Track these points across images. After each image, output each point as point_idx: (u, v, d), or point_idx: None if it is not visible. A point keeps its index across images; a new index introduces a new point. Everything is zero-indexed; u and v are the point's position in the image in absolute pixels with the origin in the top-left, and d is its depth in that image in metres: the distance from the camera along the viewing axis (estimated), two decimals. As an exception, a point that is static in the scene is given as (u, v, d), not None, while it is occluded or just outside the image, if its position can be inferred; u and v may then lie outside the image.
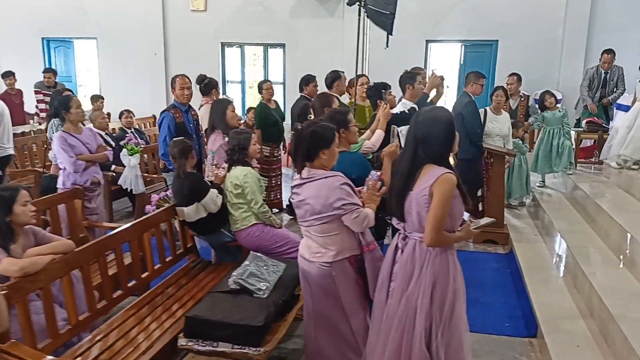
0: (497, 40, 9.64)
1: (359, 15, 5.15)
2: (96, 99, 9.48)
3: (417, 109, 5.02)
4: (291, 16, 10.26)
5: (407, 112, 5.13)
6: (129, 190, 6.29)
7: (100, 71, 11.35)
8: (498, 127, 6.33)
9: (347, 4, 5.12)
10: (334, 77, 6.24)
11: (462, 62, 10.00)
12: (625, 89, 7.65)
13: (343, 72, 6.47)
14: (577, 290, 4.33)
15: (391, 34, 5.48)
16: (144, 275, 3.66)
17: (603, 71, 7.70)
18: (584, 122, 7.48)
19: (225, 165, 4.11)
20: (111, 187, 6.39)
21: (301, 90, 6.52)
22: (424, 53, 9.98)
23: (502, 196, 6.15)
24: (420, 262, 2.48)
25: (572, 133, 7.15)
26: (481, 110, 6.42)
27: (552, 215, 5.83)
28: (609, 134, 7.03)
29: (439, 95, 4.83)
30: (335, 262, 2.82)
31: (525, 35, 9.39)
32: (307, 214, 2.82)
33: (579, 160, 7.38)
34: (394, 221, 2.65)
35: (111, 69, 11.14)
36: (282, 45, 10.50)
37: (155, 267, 3.81)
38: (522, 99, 7.35)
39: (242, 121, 7.09)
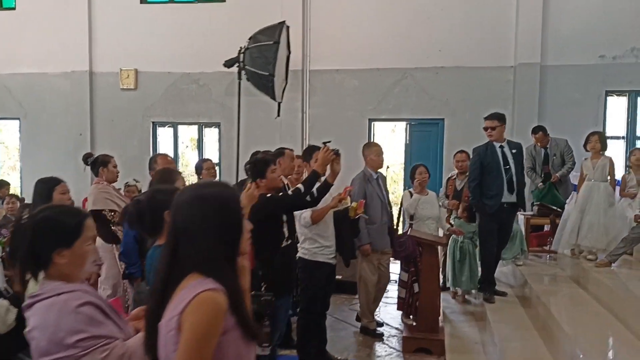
0: (443, 119, 9.04)
1: (239, 78, 4.38)
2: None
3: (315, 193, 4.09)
4: (227, 94, 9.63)
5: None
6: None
7: (22, 153, 10.47)
8: (428, 208, 5.46)
9: (224, 65, 4.35)
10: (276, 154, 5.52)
11: (407, 141, 9.34)
12: (574, 163, 6.89)
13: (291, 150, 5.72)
14: None
15: (275, 100, 4.67)
16: None
17: (541, 148, 7.04)
18: (535, 206, 6.66)
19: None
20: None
21: None
22: (367, 131, 9.33)
23: (437, 293, 5.15)
24: None
25: (521, 217, 6.30)
26: (406, 193, 5.60)
27: (494, 317, 4.80)
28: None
29: (334, 173, 3.92)
30: None
31: (473, 114, 8.77)
32: (35, 353, 1.79)
33: (531, 248, 6.48)
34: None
35: (33, 150, 10.25)
36: (218, 125, 9.80)
37: None
38: (468, 179, 6.53)
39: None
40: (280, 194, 3.70)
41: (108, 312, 1.81)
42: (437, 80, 9.01)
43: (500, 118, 5.33)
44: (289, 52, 4.50)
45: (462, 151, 6.70)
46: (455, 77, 8.91)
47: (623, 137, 8.57)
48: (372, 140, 9.23)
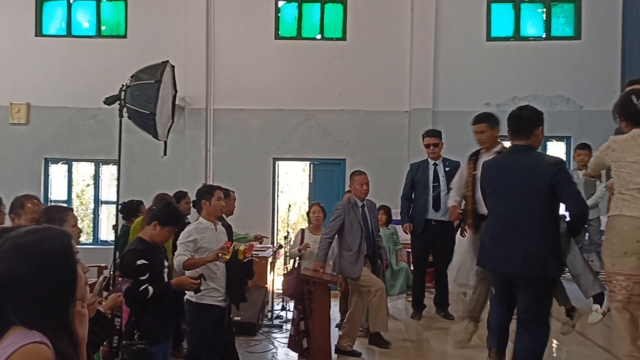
0: (345, 159, 9.34)
1: (120, 116, 4.32)
2: None
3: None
4: (126, 130, 9.34)
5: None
6: None
7: None
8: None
9: (105, 102, 4.28)
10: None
11: (311, 181, 9.53)
12: None
13: (233, 192, 5.52)
14: None
15: (158, 139, 4.64)
16: None
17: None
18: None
19: None
20: None
21: None
22: (271, 170, 9.42)
23: (328, 332, 5.18)
24: None
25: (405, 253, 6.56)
26: (299, 231, 5.67)
27: (382, 356, 4.90)
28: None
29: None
30: None
31: (372, 155, 9.18)
32: None
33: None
34: None
35: None
36: (116, 162, 9.44)
37: None
38: (360, 218, 6.72)
39: None
40: (143, 277, 3.53)
41: None
42: (339, 122, 9.34)
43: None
44: (175, 92, 4.52)
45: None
46: (355, 120, 9.29)
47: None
48: (276, 180, 9.36)
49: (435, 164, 5.49)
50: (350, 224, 5.20)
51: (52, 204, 9.23)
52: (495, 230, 3.28)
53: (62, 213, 3.15)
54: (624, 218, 2.89)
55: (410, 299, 6.22)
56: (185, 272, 4.15)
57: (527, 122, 3.30)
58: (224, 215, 5.14)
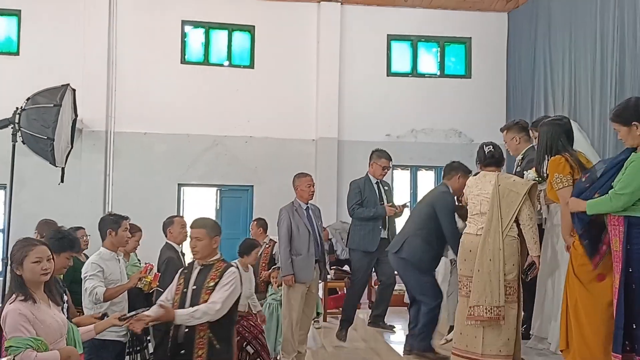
0: (252, 186, 9.35)
1: (14, 140, 4.07)
2: None
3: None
4: (19, 154, 8.68)
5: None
6: None
7: None
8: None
9: (-6, 127, 4.01)
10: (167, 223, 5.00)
11: (218, 207, 9.41)
12: None
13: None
14: None
15: (56, 165, 4.42)
16: None
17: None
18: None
19: None
20: None
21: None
22: (176, 196, 9.18)
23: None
24: None
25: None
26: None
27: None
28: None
29: None
30: None
31: (280, 182, 9.21)
32: None
33: (329, 310, 6.85)
34: None
35: None
36: (4, 187, 8.73)
37: None
38: (268, 245, 6.74)
39: None
40: None
41: None
42: (247, 149, 9.36)
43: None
44: (76, 116, 4.33)
45: (257, 218, 6.92)
46: (263, 147, 9.36)
47: (407, 207, 9.73)
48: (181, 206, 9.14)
49: (377, 182, 5.55)
50: (296, 227, 5.08)
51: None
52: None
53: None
54: (465, 235, 3.81)
55: (318, 326, 6.30)
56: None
57: (450, 169, 4.49)
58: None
